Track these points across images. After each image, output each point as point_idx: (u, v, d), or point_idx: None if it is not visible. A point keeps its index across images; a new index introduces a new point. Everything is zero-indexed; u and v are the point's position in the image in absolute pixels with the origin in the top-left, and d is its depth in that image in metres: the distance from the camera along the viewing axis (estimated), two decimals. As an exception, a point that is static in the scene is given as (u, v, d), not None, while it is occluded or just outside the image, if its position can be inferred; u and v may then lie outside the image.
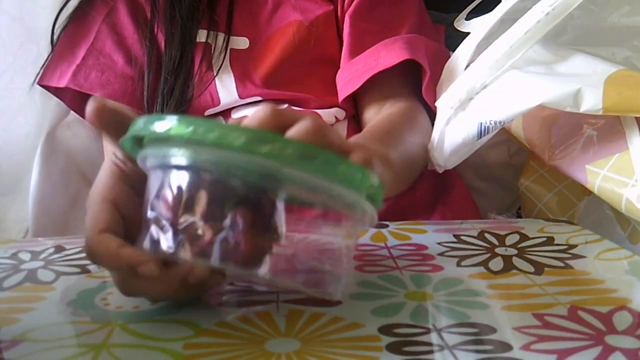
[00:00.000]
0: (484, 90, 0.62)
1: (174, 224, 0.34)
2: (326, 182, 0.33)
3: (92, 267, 0.47)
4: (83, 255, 0.50)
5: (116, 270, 0.37)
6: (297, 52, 0.71)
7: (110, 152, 0.40)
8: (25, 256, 0.50)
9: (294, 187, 0.34)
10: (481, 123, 0.61)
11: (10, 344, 0.35)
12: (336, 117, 0.70)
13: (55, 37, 0.72)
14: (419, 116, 0.68)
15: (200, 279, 0.36)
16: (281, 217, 0.34)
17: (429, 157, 0.66)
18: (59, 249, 0.51)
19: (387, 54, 0.67)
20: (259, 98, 0.70)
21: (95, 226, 0.37)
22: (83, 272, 0.46)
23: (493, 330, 0.36)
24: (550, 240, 0.52)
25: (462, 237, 0.52)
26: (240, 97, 0.69)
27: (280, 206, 0.34)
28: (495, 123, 0.61)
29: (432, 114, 0.68)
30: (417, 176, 0.67)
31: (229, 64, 0.70)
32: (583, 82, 0.55)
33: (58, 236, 0.67)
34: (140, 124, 0.35)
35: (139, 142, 0.37)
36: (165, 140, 0.34)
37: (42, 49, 0.73)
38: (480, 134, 0.62)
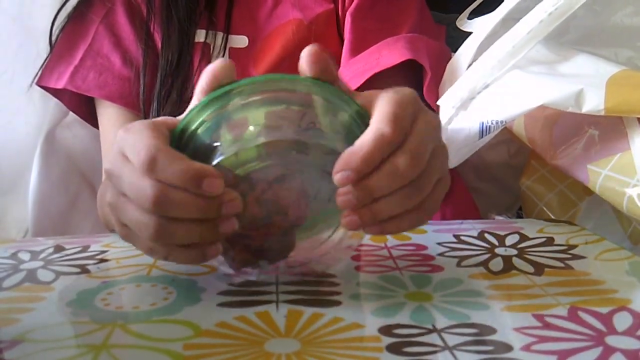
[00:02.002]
0: (486, 90, 0.62)
1: None
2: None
3: (92, 267, 0.47)
4: (83, 255, 0.50)
5: (175, 180, 0.36)
6: (296, 50, 0.70)
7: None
8: (25, 256, 0.50)
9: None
10: (483, 122, 0.61)
11: (9, 344, 0.35)
12: None
13: (53, 37, 0.72)
14: None
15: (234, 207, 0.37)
16: None
17: None
18: (58, 248, 0.51)
19: (388, 53, 0.67)
20: None
21: (156, 138, 0.37)
22: (83, 272, 0.46)
23: (493, 331, 0.36)
24: (550, 241, 0.51)
25: (462, 238, 0.52)
26: None
27: None
28: (496, 123, 0.61)
29: None
30: None
31: None
32: (585, 83, 0.55)
33: (58, 236, 0.67)
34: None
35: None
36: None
37: (41, 49, 0.73)
38: (481, 134, 0.61)
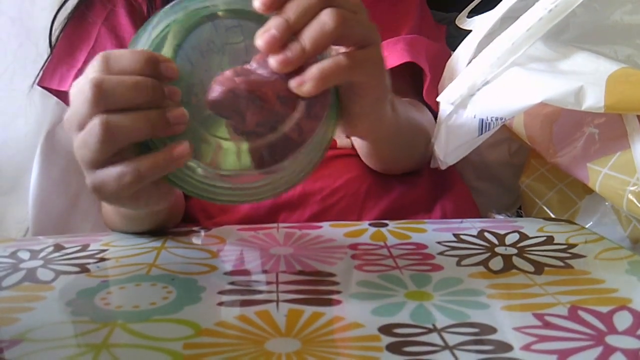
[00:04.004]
0: (486, 87, 0.62)
1: None
2: None
3: (92, 266, 0.47)
4: (82, 254, 0.50)
5: (128, 64, 0.38)
6: None
7: None
8: (25, 255, 0.50)
9: None
10: (482, 119, 0.61)
11: (9, 343, 0.35)
12: None
13: (53, 37, 0.72)
14: (422, 109, 0.68)
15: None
16: None
17: (431, 152, 0.66)
18: (58, 247, 0.51)
19: (388, 55, 0.67)
20: None
21: None
22: (83, 272, 0.46)
23: (493, 330, 0.36)
24: (550, 240, 0.52)
25: (461, 236, 0.52)
26: None
27: None
28: (496, 119, 0.61)
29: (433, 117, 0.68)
30: (416, 157, 0.67)
31: None
32: (585, 80, 0.55)
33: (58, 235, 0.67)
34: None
35: None
36: None
37: (41, 50, 0.73)
38: (481, 130, 0.61)
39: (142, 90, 0.38)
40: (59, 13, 0.72)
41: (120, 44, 0.71)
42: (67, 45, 0.71)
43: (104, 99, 0.38)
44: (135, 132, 0.38)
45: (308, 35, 0.39)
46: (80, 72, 0.70)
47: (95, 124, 0.38)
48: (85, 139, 0.39)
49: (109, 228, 0.60)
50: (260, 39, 0.39)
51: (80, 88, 0.39)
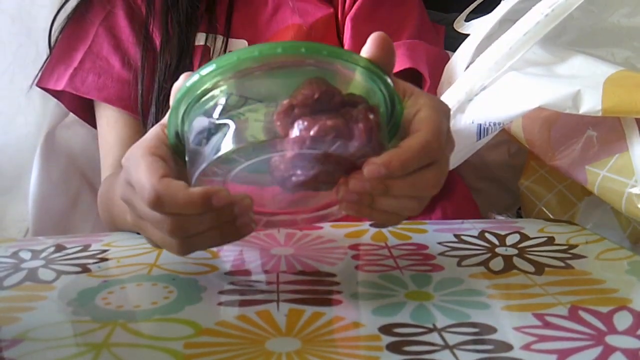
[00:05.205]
0: (483, 92, 0.62)
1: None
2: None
3: (93, 267, 0.47)
4: (83, 254, 0.50)
5: (185, 211, 0.37)
6: None
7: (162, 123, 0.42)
8: (26, 255, 0.50)
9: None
10: (480, 124, 0.61)
11: (10, 343, 0.35)
12: None
13: (53, 38, 0.72)
14: None
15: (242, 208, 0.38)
16: None
17: None
18: (59, 247, 0.51)
19: None
20: None
21: (154, 173, 0.38)
22: (84, 271, 0.46)
23: (493, 330, 0.36)
24: (550, 240, 0.52)
25: (462, 237, 0.52)
26: None
27: None
28: (494, 124, 0.61)
29: None
30: None
31: None
32: (582, 84, 0.55)
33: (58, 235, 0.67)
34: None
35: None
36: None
37: (41, 49, 0.73)
38: (479, 135, 0.62)
39: (213, 222, 0.39)
40: (58, 15, 0.72)
41: (118, 45, 0.71)
42: (65, 45, 0.72)
43: (180, 233, 0.39)
44: (209, 245, 0.41)
45: (410, 180, 0.37)
46: (76, 70, 0.70)
47: (173, 243, 0.40)
48: (161, 244, 0.41)
49: (108, 229, 0.60)
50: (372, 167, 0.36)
51: (151, 215, 0.39)
